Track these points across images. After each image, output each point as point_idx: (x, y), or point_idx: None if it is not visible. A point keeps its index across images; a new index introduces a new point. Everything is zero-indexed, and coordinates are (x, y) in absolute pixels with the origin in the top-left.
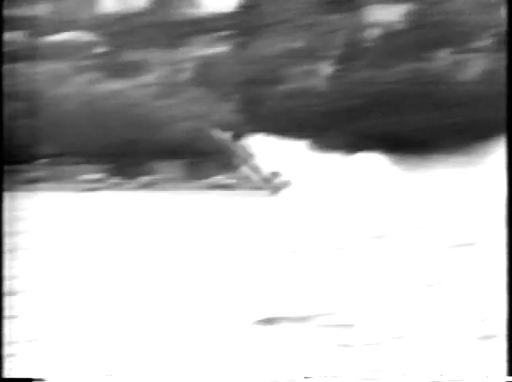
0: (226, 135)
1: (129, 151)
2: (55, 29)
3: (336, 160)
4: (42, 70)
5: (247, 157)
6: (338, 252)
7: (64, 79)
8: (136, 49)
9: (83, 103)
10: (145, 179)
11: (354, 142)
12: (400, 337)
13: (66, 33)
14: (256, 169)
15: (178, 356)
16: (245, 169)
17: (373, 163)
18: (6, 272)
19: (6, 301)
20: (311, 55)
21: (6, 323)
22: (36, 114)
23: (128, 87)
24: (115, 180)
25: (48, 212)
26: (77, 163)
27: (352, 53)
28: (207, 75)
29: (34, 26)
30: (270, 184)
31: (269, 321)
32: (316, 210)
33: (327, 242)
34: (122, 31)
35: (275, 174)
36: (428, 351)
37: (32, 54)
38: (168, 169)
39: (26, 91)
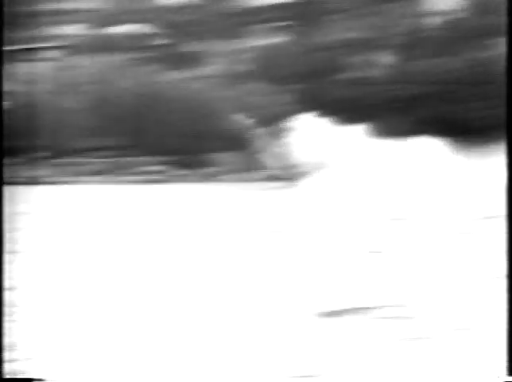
0: (248, 121)
1: (189, 143)
2: (115, 21)
3: (393, 145)
4: (102, 62)
5: (267, 145)
6: (399, 242)
7: (123, 71)
8: (195, 41)
9: (142, 95)
10: (206, 171)
11: (413, 129)
12: (461, 330)
13: (126, 25)
14: (277, 158)
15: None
16: (263, 157)
17: (431, 149)
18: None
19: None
20: (371, 44)
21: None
22: (97, 107)
23: (187, 79)
24: (176, 172)
25: (110, 204)
26: (137, 155)
27: (413, 42)
28: (266, 65)
29: (94, 19)
30: (290, 173)
31: (332, 313)
32: (370, 197)
33: (389, 231)
34: (181, 22)
35: (295, 165)
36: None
37: (92, 47)
38: (229, 160)
39: (87, 83)
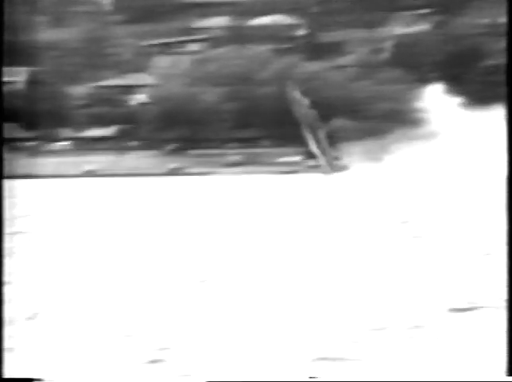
0: (305, 100)
1: (327, 134)
2: (257, 12)
3: None
4: (246, 54)
5: (315, 125)
6: None
7: (265, 62)
8: (335, 31)
9: (282, 85)
10: (340, 161)
11: None
12: None
13: (268, 16)
14: (320, 141)
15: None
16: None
17: None
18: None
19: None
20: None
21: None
22: (239, 98)
23: (326, 69)
24: (312, 162)
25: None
26: (275, 146)
27: None
28: (405, 54)
29: (238, 11)
30: (330, 161)
31: (466, 308)
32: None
33: None
34: (322, 13)
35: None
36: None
37: (236, 38)
38: (365, 149)
39: (230, 74)
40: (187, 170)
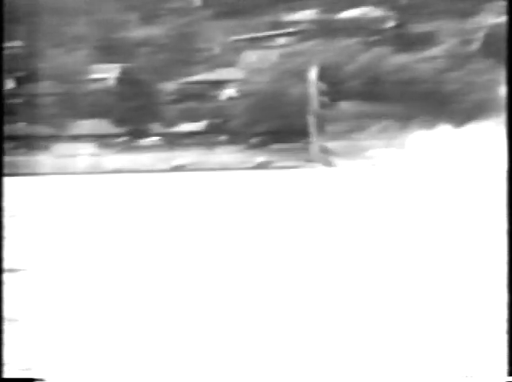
0: (319, 84)
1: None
2: (346, 5)
3: None
4: (334, 47)
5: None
6: None
7: (353, 55)
8: (424, 22)
9: (370, 78)
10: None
11: None
12: None
13: (357, 8)
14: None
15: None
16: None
17: None
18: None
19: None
20: None
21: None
22: (327, 92)
23: (415, 61)
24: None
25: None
26: (363, 140)
27: None
28: (496, 45)
29: (327, 4)
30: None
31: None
32: None
33: None
34: (411, 4)
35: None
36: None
37: (324, 31)
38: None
39: (318, 68)
40: (275, 164)
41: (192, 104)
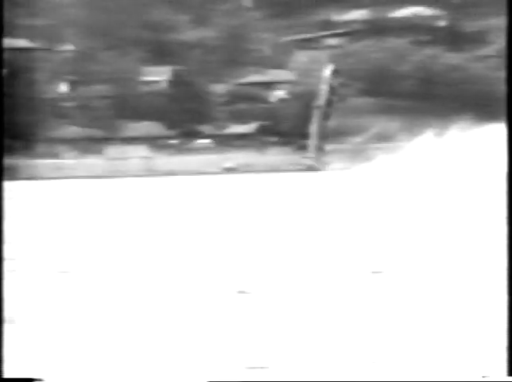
0: (333, 81)
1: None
2: (398, 4)
3: None
4: (385, 46)
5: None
6: None
7: (405, 54)
8: (476, 20)
9: (422, 79)
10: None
11: None
12: None
13: (408, 8)
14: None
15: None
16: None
17: None
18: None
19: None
20: None
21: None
22: (378, 92)
23: (467, 60)
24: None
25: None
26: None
27: None
28: None
29: (378, 3)
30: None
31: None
32: None
33: None
34: (463, 2)
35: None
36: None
37: (376, 31)
38: None
39: (369, 68)
40: (324, 166)
41: (242, 106)
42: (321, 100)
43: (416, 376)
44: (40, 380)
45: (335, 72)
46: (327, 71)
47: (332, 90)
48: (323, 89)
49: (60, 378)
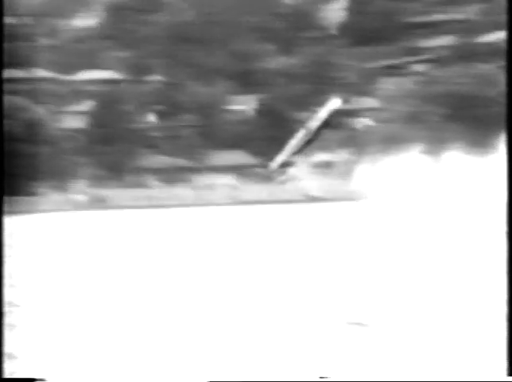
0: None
1: None
2: (485, 29)
3: None
4: (473, 72)
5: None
6: None
7: (493, 80)
8: None
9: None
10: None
11: None
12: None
13: (495, 33)
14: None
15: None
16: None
17: None
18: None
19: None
20: None
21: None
22: (465, 118)
23: None
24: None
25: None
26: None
27: None
28: None
29: (464, 29)
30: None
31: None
32: None
33: None
34: None
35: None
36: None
37: (462, 57)
38: None
39: (456, 94)
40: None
41: (327, 133)
42: (315, 131)
43: (417, 376)
44: (40, 380)
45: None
46: (335, 103)
47: (326, 121)
48: (323, 119)
49: (61, 378)
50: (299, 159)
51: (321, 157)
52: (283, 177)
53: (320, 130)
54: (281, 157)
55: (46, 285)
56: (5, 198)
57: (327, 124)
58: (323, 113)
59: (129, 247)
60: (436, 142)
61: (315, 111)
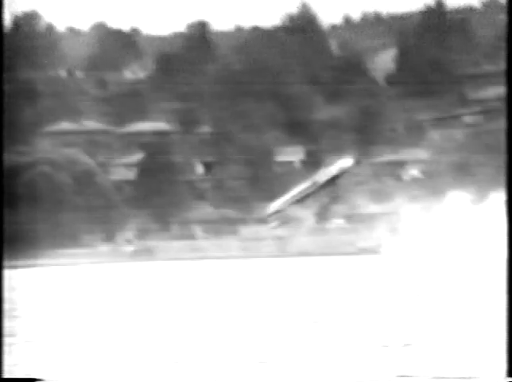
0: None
1: None
2: None
3: None
4: None
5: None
6: None
7: None
8: None
9: None
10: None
11: None
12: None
13: None
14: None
15: None
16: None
17: None
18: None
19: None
20: None
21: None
22: None
23: None
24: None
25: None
26: None
27: None
28: None
29: None
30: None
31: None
32: None
33: None
34: None
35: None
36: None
37: None
38: None
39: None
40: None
41: (376, 185)
42: (320, 188)
43: (417, 376)
44: (40, 380)
45: (356, 164)
46: (347, 162)
47: (334, 178)
48: (329, 179)
49: (61, 378)
50: (345, 210)
51: (369, 208)
52: (274, 224)
53: (325, 186)
54: (277, 204)
55: (92, 330)
56: (53, 251)
57: (334, 181)
58: (333, 170)
59: (174, 298)
60: (483, 192)
61: (326, 166)
